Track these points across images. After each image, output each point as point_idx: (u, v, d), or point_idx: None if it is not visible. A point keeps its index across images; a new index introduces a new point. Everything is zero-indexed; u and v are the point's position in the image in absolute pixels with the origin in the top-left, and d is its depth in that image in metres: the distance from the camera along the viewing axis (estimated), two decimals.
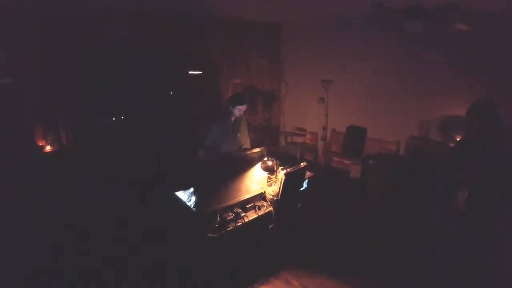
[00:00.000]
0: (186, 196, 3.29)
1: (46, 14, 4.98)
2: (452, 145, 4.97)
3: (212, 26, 6.79)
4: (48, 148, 5.27)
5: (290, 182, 3.34)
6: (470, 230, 3.49)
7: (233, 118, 4.10)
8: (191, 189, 3.26)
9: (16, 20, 4.77)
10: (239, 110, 4.04)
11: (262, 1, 5.14)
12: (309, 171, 3.89)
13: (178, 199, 3.29)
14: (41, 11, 4.92)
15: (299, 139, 7.88)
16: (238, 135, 4.24)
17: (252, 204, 3.32)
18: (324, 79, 6.84)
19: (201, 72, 6.80)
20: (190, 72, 6.68)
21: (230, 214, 3.10)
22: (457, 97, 5.10)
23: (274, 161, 3.30)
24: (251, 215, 3.22)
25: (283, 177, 3.24)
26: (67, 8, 5.05)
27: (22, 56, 4.89)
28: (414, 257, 3.91)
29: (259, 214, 3.27)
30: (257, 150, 3.42)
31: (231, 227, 3.02)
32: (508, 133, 3.60)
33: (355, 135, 6.49)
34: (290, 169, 3.34)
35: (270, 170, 3.31)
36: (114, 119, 5.91)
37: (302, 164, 3.52)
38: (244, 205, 3.27)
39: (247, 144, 4.35)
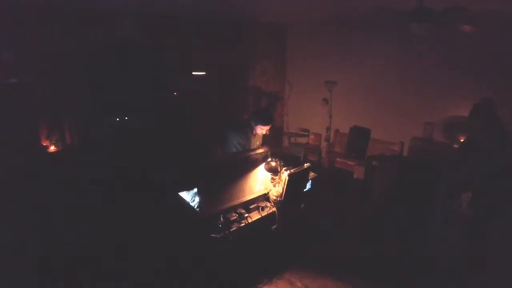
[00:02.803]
0: (189, 197, 3.30)
1: (50, 14, 5.00)
2: (455, 146, 4.96)
3: (217, 26, 6.81)
4: (52, 148, 5.28)
5: (294, 183, 3.34)
6: (473, 230, 3.49)
7: (254, 133, 3.93)
8: (195, 190, 3.27)
9: (19, 20, 4.79)
10: (261, 128, 3.86)
11: (268, 2, 5.14)
12: (313, 172, 3.89)
13: (182, 200, 3.30)
14: (43, 11, 4.94)
15: (303, 140, 7.88)
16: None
17: (256, 204, 3.33)
18: (328, 80, 6.84)
19: (204, 73, 6.80)
20: (194, 73, 6.69)
21: (234, 214, 3.11)
22: (460, 98, 5.08)
23: (278, 162, 3.29)
24: (255, 216, 3.22)
25: (287, 178, 3.24)
26: (71, 8, 5.09)
27: (26, 57, 4.91)
28: (416, 257, 3.91)
29: (263, 214, 3.28)
30: (260, 150, 3.42)
31: (234, 228, 3.03)
32: (510, 133, 3.60)
33: (359, 136, 6.49)
34: (293, 169, 3.34)
35: (274, 171, 3.31)
36: (118, 119, 5.92)
37: (305, 165, 3.51)
38: (248, 205, 3.27)
39: None
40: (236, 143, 3.83)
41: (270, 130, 3.99)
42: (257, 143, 4.10)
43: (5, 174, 4.39)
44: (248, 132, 3.90)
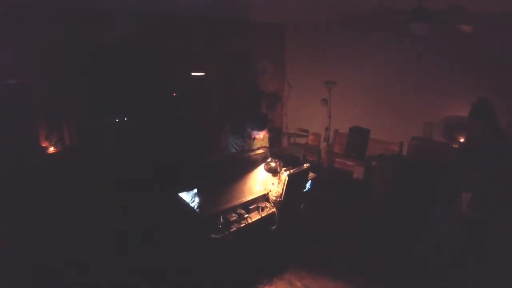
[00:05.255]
0: (189, 197, 3.30)
1: (50, 15, 5.00)
2: (455, 146, 4.96)
3: (216, 26, 6.81)
4: (51, 149, 5.28)
5: (293, 183, 3.34)
6: (473, 230, 3.49)
7: (252, 137, 3.99)
8: (195, 190, 3.27)
9: (19, 20, 4.79)
10: (257, 133, 3.91)
11: (268, 3, 5.14)
12: (312, 172, 3.89)
13: (181, 200, 3.30)
14: (43, 11, 4.94)
15: (302, 140, 7.88)
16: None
17: (256, 205, 3.33)
18: (327, 81, 6.84)
19: (204, 74, 6.80)
20: (193, 74, 6.69)
21: (234, 215, 3.11)
22: (460, 98, 5.08)
23: (277, 162, 3.30)
24: (255, 216, 3.23)
25: (286, 178, 3.24)
26: (71, 8, 5.09)
27: (25, 57, 4.91)
28: (416, 257, 3.91)
29: (263, 215, 3.28)
30: (260, 151, 3.42)
31: (234, 228, 3.03)
32: (509, 133, 3.60)
33: (358, 136, 6.48)
34: (293, 170, 3.34)
35: (274, 171, 3.31)
36: (117, 120, 5.92)
37: (305, 165, 3.52)
38: (248, 206, 3.27)
39: None
40: (234, 145, 3.90)
41: (268, 132, 4.04)
42: (262, 145, 4.12)
43: (5, 175, 4.38)
44: (245, 135, 3.95)
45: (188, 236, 3.25)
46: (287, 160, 3.49)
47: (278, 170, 3.30)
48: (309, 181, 3.79)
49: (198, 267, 3.17)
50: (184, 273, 3.37)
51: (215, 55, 6.91)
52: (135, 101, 5.91)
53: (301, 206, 3.86)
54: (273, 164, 3.29)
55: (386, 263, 3.93)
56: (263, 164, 3.34)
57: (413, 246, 4.10)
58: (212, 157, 4.33)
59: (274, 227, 3.34)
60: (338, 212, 5.20)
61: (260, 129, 3.88)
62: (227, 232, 2.95)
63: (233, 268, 3.18)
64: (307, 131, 7.81)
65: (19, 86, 4.89)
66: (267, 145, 4.17)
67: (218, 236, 2.88)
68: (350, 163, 6.35)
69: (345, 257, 4.05)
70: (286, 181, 3.25)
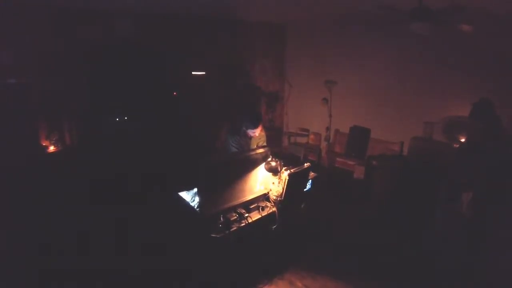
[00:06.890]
0: (189, 197, 3.30)
1: (49, 14, 5.00)
2: (456, 146, 4.96)
3: (217, 26, 6.81)
4: (51, 148, 5.28)
5: (294, 183, 3.34)
6: (473, 230, 3.49)
7: (249, 136, 4.00)
8: (195, 190, 3.27)
9: (19, 21, 4.79)
10: (252, 131, 3.92)
11: (269, 3, 5.14)
12: (313, 172, 3.89)
13: (182, 200, 3.30)
14: (43, 11, 4.94)
15: (303, 140, 7.87)
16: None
17: (256, 204, 3.33)
18: (328, 80, 6.83)
19: (204, 73, 6.80)
20: (193, 73, 6.69)
21: (234, 214, 3.11)
22: (461, 98, 5.07)
23: (278, 162, 3.30)
24: (255, 216, 3.22)
25: (287, 178, 3.24)
26: (71, 7, 5.09)
27: (25, 57, 4.91)
28: (416, 257, 3.91)
29: (263, 214, 3.28)
30: (260, 150, 3.42)
31: (234, 228, 3.03)
32: (509, 133, 3.60)
33: (359, 135, 6.48)
34: (293, 169, 3.33)
35: (274, 171, 3.31)
36: (118, 119, 5.92)
37: (305, 164, 3.51)
38: (248, 205, 3.27)
39: None
40: (233, 143, 3.93)
41: (263, 129, 4.06)
42: (260, 143, 4.13)
43: (5, 174, 4.38)
44: (242, 134, 3.97)
45: (189, 236, 3.25)
46: (287, 160, 3.50)
47: (279, 169, 3.29)
48: (310, 181, 3.79)
49: (199, 267, 3.17)
50: (184, 272, 3.37)
51: (215, 55, 6.91)
52: (135, 101, 5.91)
53: (302, 206, 3.86)
54: (273, 164, 3.29)
55: (387, 263, 3.92)
56: (264, 164, 3.34)
57: (413, 246, 4.10)
58: (212, 156, 4.33)
59: (274, 226, 3.33)
60: (339, 211, 5.20)
61: (254, 127, 3.88)
62: (227, 232, 2.95)
63: (233, 267, 3.18)
64: (307, 130, 7.81)
65: (19, 86, 4.89)
66: (265, 144, 4.17)
67: (218, 236, 2.88)
68: (350, 162, 6.35)
69: (345, 257, 4.05)
70: (286, 181, 3.24)
